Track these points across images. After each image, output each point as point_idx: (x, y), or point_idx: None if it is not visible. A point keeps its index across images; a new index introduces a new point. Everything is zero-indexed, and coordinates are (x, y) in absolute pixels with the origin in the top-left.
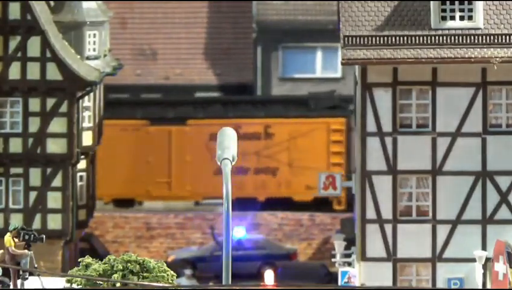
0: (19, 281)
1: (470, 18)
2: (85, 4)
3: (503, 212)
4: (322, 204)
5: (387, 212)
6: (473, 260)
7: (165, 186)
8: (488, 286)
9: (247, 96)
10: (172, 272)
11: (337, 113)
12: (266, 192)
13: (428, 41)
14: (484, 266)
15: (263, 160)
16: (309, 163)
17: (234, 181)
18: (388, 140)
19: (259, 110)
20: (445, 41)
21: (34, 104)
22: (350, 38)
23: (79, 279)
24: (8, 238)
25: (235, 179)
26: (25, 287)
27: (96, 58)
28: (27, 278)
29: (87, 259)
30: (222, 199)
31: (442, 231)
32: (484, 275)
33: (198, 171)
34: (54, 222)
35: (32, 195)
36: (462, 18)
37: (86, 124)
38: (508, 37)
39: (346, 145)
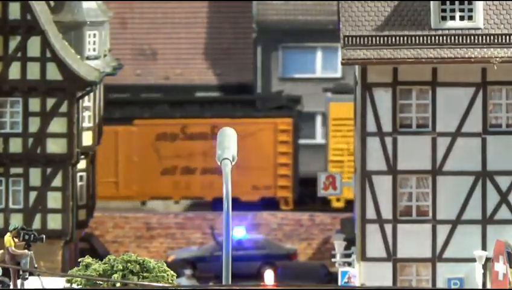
0: (19, 281)
1: (470, 18)
2: (85, 4)
3: (503, 212)
4: (269, 204)
5: (387, 212)
6: (473, 260)
7: (112, 186)
8: (488, 286)
9: (194, 97)
10: (172, 272)
11: (284, 113)
12: (213, 192)
13: (428, 41)
14: (484, 266)
15: (210, 160)
16: (256, 163)
17: (181, 181)
18: (388, 140)
19: (206, 110)
20: (445, 41)
21: (34, 104)
22: (350, 38)
23: (79, 279)
24: (8, 238)
25: (183, 178)
26: (25, 287)
27: (96, 58)
28: (27, 278)
29: (87, 259)
30: (168, 199)
31: (442, 231)
32: (484, 275)
33: (145, 171)
34: (54, 222)
35: (32, 195)
36: (462, 18)
37: (86, 124)
38: (508, 37)
39: (293, 145)
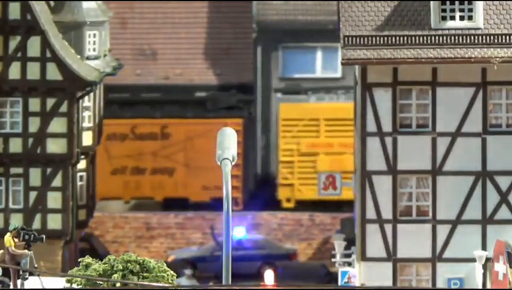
0: (19, 281)
1: (470, 18)
2: (85, 4)
3: (503, 212)
4: (218, 205)
5: (387, 212)
6: (473, 260)
7: None
8: (488, 286)
9: (144, 96)
10: (172, 272)
11: (234, 114)
12: (163, 192)
13: (428, 41)
14: (484, 266)
15: (160, 160)
16: (205, 163)
17: (131, 181)
18: (388, 140)
19: (156, 110)
20: (445, 41)
21: (34, 104)
22: (350, 38)
23: (79, 279)
24: (8, 238)
25: (133, 179)
26: (25, 287)
27: (96, 58)
28: (27, 278)
29: (87, 259)
30: (119, 199)
31: (442, 231)
32: (484, 275)
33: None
34: (54, 222)
35: (32, 195)
36: (462, 18)
37: (86, 124)
38: (508, 37)
39: (243, 146)
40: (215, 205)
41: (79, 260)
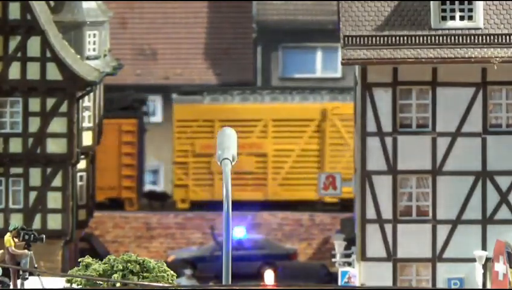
0: (19, 281)
1: (470, 18)
2: (85, 4)
3: (503, 212)
4: (114, 205)
5: (387, 212)
6: (473, 260)
7: None
8: (488, 286)
9: None
10: (172, 272)
11: (129, 114)
12: None
13: (428, 41)
14: (484, 266)
15: None
16: (100, 164)
17: None
18: (388, 140)
19: None
20: (445, 41)
21: (34, 104)
22: (350, 38)
23: (79, 279)
24: (8, 238)
25: None
26: (25, 287)
27: (96, 58)
28: (27, 278)
29: (87, 259)
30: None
31: (442, 231)
32: (484, 275)
33: None
34: (54, 222)
35: (32, 195)
36: (462, 18)
37: (86, 124)
38: (508, 37)
39: (137, 146)
40: (111, 205)
41: (79, 260)
